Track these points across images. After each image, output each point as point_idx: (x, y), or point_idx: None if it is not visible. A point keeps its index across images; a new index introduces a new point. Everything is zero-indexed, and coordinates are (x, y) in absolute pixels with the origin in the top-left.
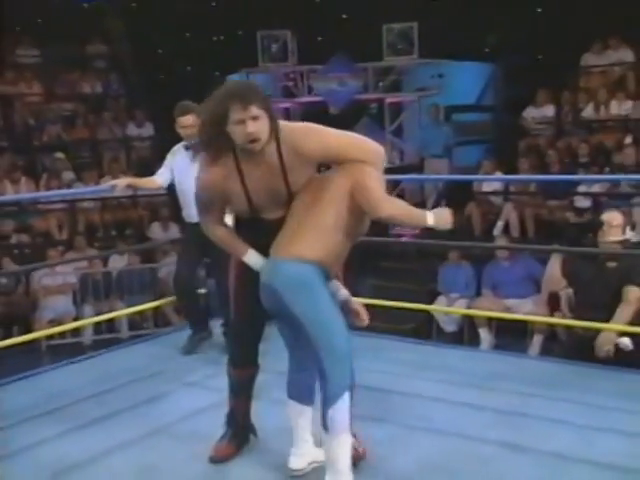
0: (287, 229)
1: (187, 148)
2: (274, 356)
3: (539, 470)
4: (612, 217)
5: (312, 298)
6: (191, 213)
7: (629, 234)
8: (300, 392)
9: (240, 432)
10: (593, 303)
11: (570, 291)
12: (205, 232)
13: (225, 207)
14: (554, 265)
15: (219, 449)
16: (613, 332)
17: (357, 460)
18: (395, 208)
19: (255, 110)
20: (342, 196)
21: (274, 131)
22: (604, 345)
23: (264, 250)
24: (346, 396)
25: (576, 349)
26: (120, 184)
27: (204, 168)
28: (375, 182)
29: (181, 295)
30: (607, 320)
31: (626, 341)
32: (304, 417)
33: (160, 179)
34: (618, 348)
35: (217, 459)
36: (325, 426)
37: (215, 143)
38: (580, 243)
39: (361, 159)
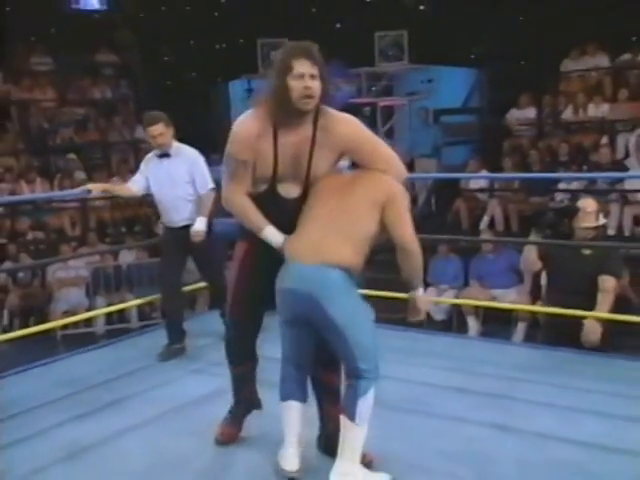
0: (312, 234)
1: (160, 156)
2: (274, 343)
3: (524, 449)
4: (587, 204)
5: (350, 302)
6: (172, 219)
7: (602, 220)
8: (303, 391)
9: (244, 405)
10: (569, 288)
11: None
12: (225, 204)
13: (251, 174)
14: (531, 247)
15: (224, 432)
16: (598, 321)
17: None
18: (416, 246)
19: (316, 70)
20: (374, 208)
21: (321, 100)
22: (590, 335)
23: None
24: (372, 389)
25: (556, 334)
26: (95, 189)
27: (240, 123)
28: (407, 214)
29: (167, 298)
30: (583, 306)
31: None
32: (302, 416)
33: (135, 187)
34: (603, 336)
35: (223, 441)
36: (352, 417)
37: (280, 95)
38: (557, 228)
39: (384, 168)
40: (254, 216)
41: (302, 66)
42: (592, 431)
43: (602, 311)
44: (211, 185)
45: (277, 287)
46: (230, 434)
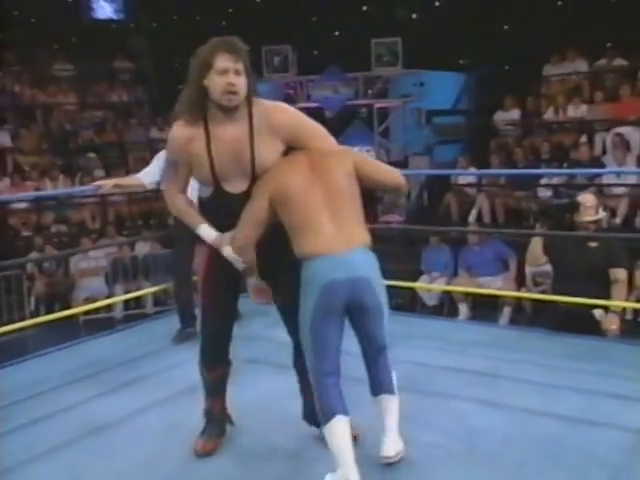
0: (326, 225)
1: None
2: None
3: (509, 423)
4: (587, 199)
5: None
6: None
7: (601, 214)
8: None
9: (218, 426)
10: (575, 279)
11: (535, 269)
12: (167, 202)
13: (189, 175)
14: (536, 242)
15: (202, 445)
16: (616, 313)
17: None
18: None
19: (240, 65)
20: (352, 179)
21: (249, 95)
22: (611, 324)
23: (228, 228)
24: None
25: (562, 321)
26: (106, 184)
27: (173, 129)
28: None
29: (179, 285)
30: (593, 296)
31: (599, 313)
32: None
33: (146, 179)
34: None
35: (201, 454)
36: (394, 391)
37: (193, 98)
38: (560, 223)
39: (326, 144)
40: (190, 214)
41: (224, 61)
42: (573, 406)
43: (619, 300)
44: None
45: (327, 278)
46: (209, 448)
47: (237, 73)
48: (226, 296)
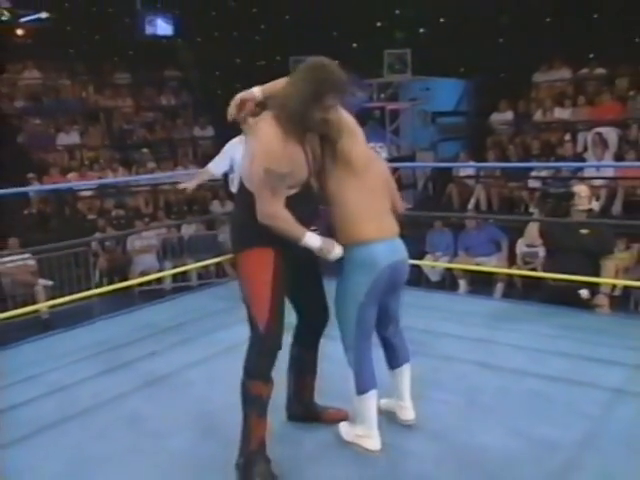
0: (377, 214)
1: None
2: None
3: (503, 382)
4: (581, 189)
5: None
6: None
7: (594, 204)
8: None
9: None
10: (566, 260)
11: (525, 250)
12: (267, 219)
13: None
14: (533, 226)
15: None
16: (605, 292)
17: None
18: None
19: (341, 99)
20: (387, 186)
21: None
22: (600, 301)
23: (309, 218)
24: None
25: (556, 295)
26: (190, 186)
27: (271, 136)
28: None
29: None
30: (583, 274)
31: (585, 292)
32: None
33: (214, 169)
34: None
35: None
36: (409, 358)
37: (298, 120)
38: (557, 210)
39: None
40: (295, 226)
41: (332, 100)
42: (558, 368)
43: (607, 285)
44: None
45: (385, 262)
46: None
47: (334, 108)
48: (283, 308)
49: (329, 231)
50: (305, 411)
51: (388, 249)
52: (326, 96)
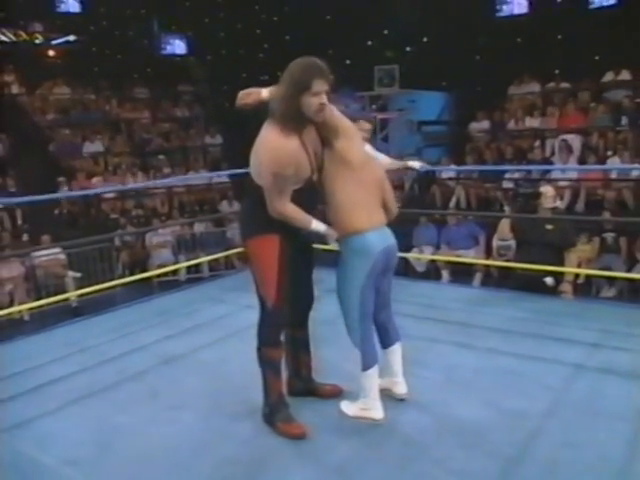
0: (373, 204)
1: None
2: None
3: (478, 360)
4: (547, 190)
5: None
6: None
7: (558, 203)
8: (397, 335)
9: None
10: (534, 252)
11: (500, 243)
12: (276, 215)
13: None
14: (505, 222)
15: (301, 427)
16: (568, 280)
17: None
18: None
19: (328, 85)
20: (384, 183)
21: None
22: (564, 288)
23: (310, 208)
24: None
25: (525, 284)
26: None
27: (275, 140)
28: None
29: None
30: (549, 264)
31: (549, 280)
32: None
33: None
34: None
35: (304, 435)
36: (398, 338)
37: (294, 113)
38: (526, 207)
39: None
40: (302, 215)
41: (320, 85)
42: (526, 346)
43: (570, 275)
44: None
45: (378, 248)
46: (304, 430)
47: (326, 94)
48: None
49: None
50: (304, 387)
51: (379, 236)
52: (313, 82)
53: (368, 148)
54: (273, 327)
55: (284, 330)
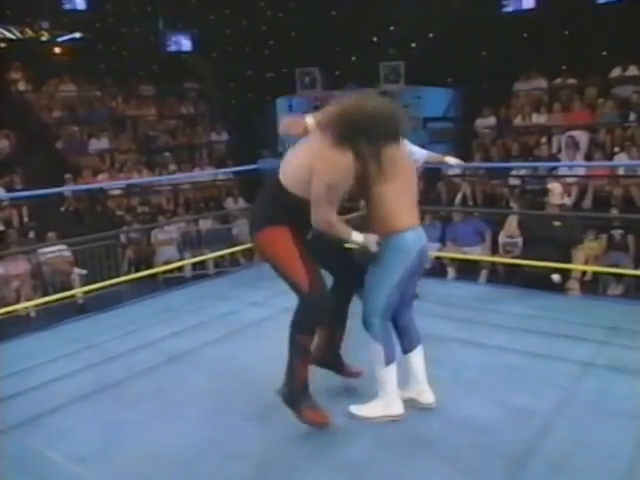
0: (411, 204)
1: None
2: None
3: (485, 357)
4: (554, 186)
5: None
6: None
7: (566, 199)
8: (418, 339)
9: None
10: (541, 249)
11: (506, 240)
12: (322, 224)
13: None
14: (512, 219)
15: (324, 415)
16: (575, 277)
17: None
18: None
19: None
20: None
21: None
22: (571, 285)
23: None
24: None
25: (532, 280)
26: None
27: (340, 155)
28: None
29: None
30: (556, 261)
31: (556, 277)
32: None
33: None
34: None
35: (328, 422)
36: (420, 340)
37: (358, 145)
38: (533, 204)
39: None
40: (344, 227)
41: (391, 150)
42: (533, 344)
43: (577, 272)
44: None
45: (416, 248)
46: (327, 418)
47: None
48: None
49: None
50: (331, 359)
51: (416, 236)
52: (388, 145)
53: (406, 143)
54: (311, 312)
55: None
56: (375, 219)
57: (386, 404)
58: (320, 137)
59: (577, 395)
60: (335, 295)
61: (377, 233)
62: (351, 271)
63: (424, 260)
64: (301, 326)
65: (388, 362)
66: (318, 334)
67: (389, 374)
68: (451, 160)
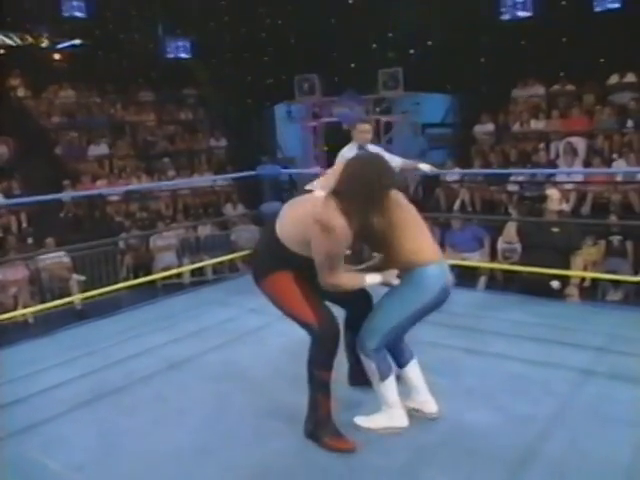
0: (427, 242)
1: (360, 148)
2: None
3: (484, 364)
4: (553, 193)
5: None
6: None
7: (564, 205)
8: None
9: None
10: (540, 256)
11: (505, 246)
12: (328, 287)
13: None
14: (511, 225)
15: (348, 442)
16: (574, 284)
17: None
18: None
19: None
20: None
21: None
22: (570, 292)
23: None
24: None
25: (531, 286)
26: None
27: (338, 222)
28: None
29: None
30: (555, 267)
31: (555, 283)
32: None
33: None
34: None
35: (353, 448)
36: (412, 354)
37: (355, 209)
38: (532, 210)
39: None
40: (356, 278)
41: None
42: (532, 351)
43: (576, 278)
44: None
45: (440, 282)
46: (351, 444)
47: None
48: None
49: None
50: (365, 379)
51: (440, 270)
52: (385, 201)
53: (377, 149)
54: (325, 348)
55: (347, 335)
56: (395, 258)
57: (390, 416)
58: (325, 201)
59: (576, 402)
60: (350, 325)
61: (401, 269)
62: (367, 299)
63: (444, 299)
64: (317, 362)
65: (383, 377)
66: (347, 359)
67: (388, 388)
68: (424, 167)
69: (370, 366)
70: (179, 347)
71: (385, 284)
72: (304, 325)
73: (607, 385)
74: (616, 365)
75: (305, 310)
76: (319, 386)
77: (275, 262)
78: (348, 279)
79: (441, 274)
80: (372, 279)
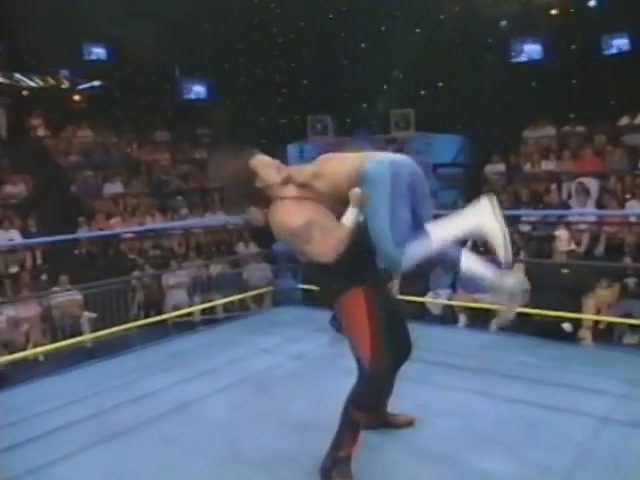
0: None
1: None
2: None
3: (498, 408)
4: (561, 233)
5: None
6: None
7: (573, 246)
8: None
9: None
10: (551, 298)
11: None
12: (332, 255)
13: None
14: (519, 266)
15: None
16: (587, 326)
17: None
18: None
19: None
20: None
21: None
22: (583, 334)
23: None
24: None
25: (543, 329)
26: None
27: (291, 208)
28: None
29: None
30: (566, 310)
31: (567, 326)
32: None
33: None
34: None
35: None
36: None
37: None
38: (540, 251)
39: None
40: (340, 226)
41: None
42: (547, 395)
43: (589, 320)
44: None
45: (387, 165)
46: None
47: None
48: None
49: None
50: (381, 421)
51: (377, 161)
52: None
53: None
54: (369, 392)
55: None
56: (351, 184)
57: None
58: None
59: (595, 451)
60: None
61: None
62: (407, 343)
63: (406, 170)
64: (357, 401)
65: (455, 261)
66: None
67: (469, 262)
68: None
69: (413, 249)
70: (189, 387)
71: (355, 206)
72: (358, 359)
73: (627, 433)
74: (636, 412)
75: (365, 347)
76: (350, 426)
77: (339, 274)
78: (337, 232)
79: (379, 163)
80: (350, 215)
